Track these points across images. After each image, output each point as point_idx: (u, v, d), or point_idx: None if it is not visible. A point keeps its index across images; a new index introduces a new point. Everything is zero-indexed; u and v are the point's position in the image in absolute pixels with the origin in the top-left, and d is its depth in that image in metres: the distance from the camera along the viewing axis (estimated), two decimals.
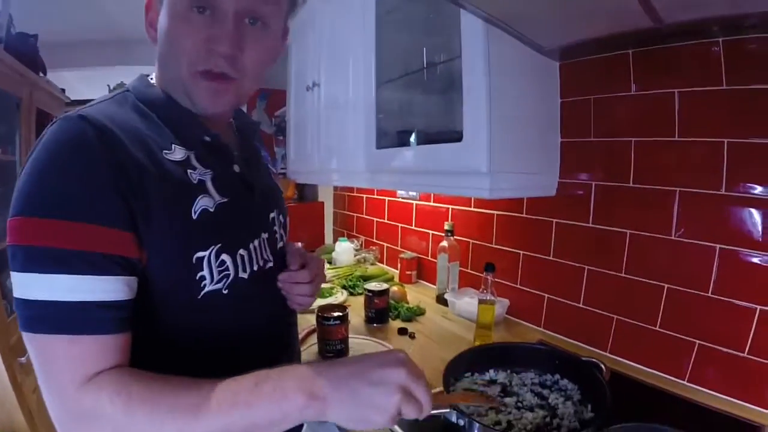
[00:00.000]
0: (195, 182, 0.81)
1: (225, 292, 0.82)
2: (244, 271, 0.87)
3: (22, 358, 2.11)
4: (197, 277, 0.78)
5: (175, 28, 0.80)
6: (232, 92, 0.87)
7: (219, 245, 0.81)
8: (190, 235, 0.78)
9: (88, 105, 0.78)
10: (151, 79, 0.91)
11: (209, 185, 0.84)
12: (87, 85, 4.65)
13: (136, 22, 3.47)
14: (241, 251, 0.87)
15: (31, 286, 0.64)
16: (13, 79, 2.34)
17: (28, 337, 0.66)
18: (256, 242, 0.92)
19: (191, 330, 0.81)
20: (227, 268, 0.83)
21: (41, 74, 2.87)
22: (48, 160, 0.68)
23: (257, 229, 0.95)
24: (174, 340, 0.79)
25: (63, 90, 3.35)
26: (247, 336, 0.89)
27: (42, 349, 0.66)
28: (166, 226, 0.74)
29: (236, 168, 0.94)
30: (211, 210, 0.82)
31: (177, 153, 0.81)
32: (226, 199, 0.85)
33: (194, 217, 0.79)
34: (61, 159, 0.67)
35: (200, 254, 0.78)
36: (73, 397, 0.64)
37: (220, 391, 0.65)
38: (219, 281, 0.81)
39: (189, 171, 0.82)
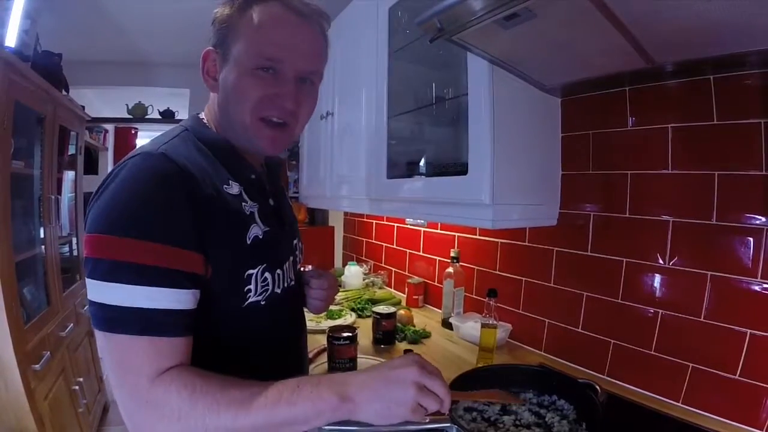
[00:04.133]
0: (248, 213, 0.96)
1: (263, 303, 0.96)
2: (278, 287, 1.01)
3: (37, 366, 2.14)
4: (245, 290, 0.92)
5: (244, 82, 0.94)
6: (287, 139, 1.02)
7: (265, 265, 0.96)
8: (245, 256, 0.93)
9: (161, 143, 0.91)
10: (203, 118, 1.05)
11: (257, 216, 0.98)
12: (106, 103, 4.78)
13: (156, 45, 3.61)
14: (278, 271, 1.02)
15: (113, 293, 0.75)
16: (38, 97, 2.41)
17: (104, 336, 0.76)
18: (286, 264, 1.07)
19: (233, 333, 0.94)
20: (268, 284, 0.97)
21: (64, 92, 2.94)
22: (135, 189, 0.80)
23: (288, 253, 1.11)
24: (220, 341, 0.92)
25: (83, 107, 3.43)
26: (275, 340, 1.04)
27: (120, 347, 0.76)
28: (228, 248, 0.89)
29: (271, 201, 1.08)
30: (260, 237, 0.96)
31: (234, 188, 0.96)
32: (268, 228, 1.00)
33: (248, 242, 0.93)
34: (147, 189, 0.80)
35: (250, 271, 0.92)
36: (146, 388, 0.74)
37: (268, 389, 0.77)
38: (260, 294, 0.95)
39: (243, 204, 0.96)
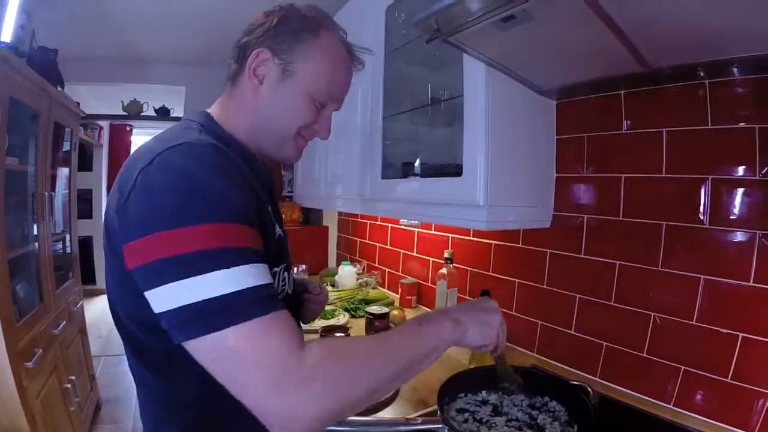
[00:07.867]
0: (269, 210, 0.93)
1: None
2: (290, 288, 1.03)
3: (29, 363, 2.13)
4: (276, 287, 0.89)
5: (301, 103, 0.97)
6: None
7: (285, 264, 0.97)
8: (274, 252, 0.90)
9: (188, 136, 0.82)
10: (212, 116, 0.98)
11: (272, 215, 0.95)
12: (101, 99, 4.77)
13: (152, 42, 3.59)
14: (289, 272, 1.03)
15: (213, 284, 0.65)
16: (33, 93, 2.40)
17: (218, 337, 0.65)
18: (290, 268, 1.07)
19: None
20: (285, 284, 0.98)
21: (59, 88, 2.93)
22: (194, 177, 0.72)
23: (289, 257, 1.08)
24: None
25: (78, 104, 3.42)
26: None
27: (248, 336, 0.66)
28: (266, 240, 0.81)
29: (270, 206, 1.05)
30: (282, 235, 0.99)
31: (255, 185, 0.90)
32: (281, 229, 1.00)
33: (276, 238, 0.93)
34: (210, 176, 0.73)
35: (275, 269, 0.91)
36: (297, 364, 0.66)
37: (398, 333, 0.85)
38: (280, 293, 0.93)
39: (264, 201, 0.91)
